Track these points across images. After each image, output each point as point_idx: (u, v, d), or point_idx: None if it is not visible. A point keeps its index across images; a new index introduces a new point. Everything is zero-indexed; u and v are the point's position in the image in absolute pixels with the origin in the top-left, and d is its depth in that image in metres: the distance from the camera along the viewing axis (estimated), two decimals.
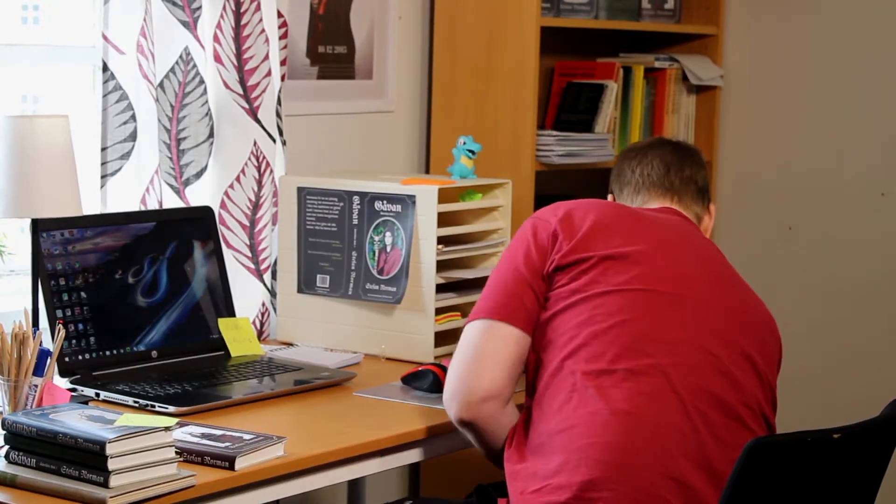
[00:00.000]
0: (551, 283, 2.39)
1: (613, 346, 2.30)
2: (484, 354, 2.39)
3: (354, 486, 3.31)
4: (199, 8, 3.06)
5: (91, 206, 2.95)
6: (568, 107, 3.95)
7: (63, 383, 2.63)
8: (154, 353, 2.84)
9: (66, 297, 2.72)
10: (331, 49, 3.53)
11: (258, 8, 3.11)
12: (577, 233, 2.41)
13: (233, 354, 2.93)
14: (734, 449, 2.23)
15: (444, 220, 2.97)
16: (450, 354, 2.88)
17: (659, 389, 2.27)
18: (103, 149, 2.96)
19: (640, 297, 2.35)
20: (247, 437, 2.29)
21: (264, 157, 3.16)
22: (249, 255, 3.18)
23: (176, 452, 2.13)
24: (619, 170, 2.69)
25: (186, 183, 3.11)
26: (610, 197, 2.71)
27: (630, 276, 2.36)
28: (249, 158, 3.14)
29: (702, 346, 2.33)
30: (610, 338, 2.31)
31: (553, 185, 3.82)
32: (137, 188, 2.99)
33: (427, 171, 3.79)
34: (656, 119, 4.17)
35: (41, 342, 2.36)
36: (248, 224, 3.17)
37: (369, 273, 3.00)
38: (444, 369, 2.66)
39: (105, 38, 2.93)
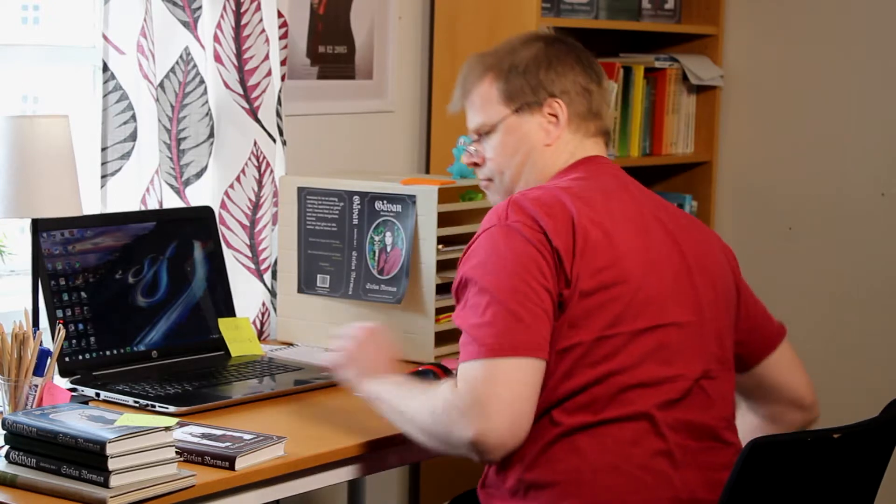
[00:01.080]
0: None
1: (602, 399, 2.18)
2: (530, 397, 2.14)
3: (354, 486, 3.31)
4: (200, 8, 3.06)
5: (91, 206, 2.95)
6: None
7: (63, 383, 2.63)
8: (154, 353, 2.84)
9: (66, 297, 2.72)
10: (331, 49, 3.54)
11: (258, 8, 3.11)
12: (577, 264, 2.18)
13: (233, 354, 2.94)
14: (715, 469, 2.22)
15: (444, 220, 2.97)
16: (450, 354, 2.89)
17: (643, 436, 2.18)
18: (103, 149, 2.96)
19: (631, 342, 2.20)
20: (247, 437, 2.29)
21: (264, 157, 3.16)
22: (249, 255, 3.18)
23: (176, 452, 2.13)
24: (548, 80, 2.37)
25: (186, 183, 3.11)
26: (548, 109, 2.36)
27: (621, 308, 2.19)
28: (249, 158, 3.14)
29: (690, 378, 2.24)
30: (600, 390, 2.18)
31: None
32: (137, 188, 2.99)
33: (427, 171, 3.79)
34: (656, 119, 4.18)
35: (41, 342, 2.36)
36: (248, 224, 3.17)
37: (369, 273, 3.00)
38: (444, 369, 2.65)
39: (105, 38, 2.93)
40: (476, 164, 2.45)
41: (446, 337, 2.97)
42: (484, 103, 2.40)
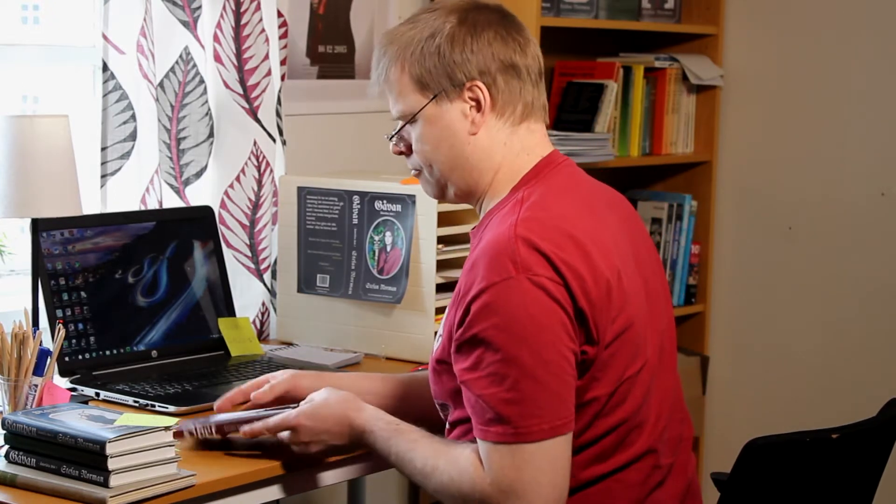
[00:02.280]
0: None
1: (611, 446, 2.11)
2: (567, 471, 2.04)
3: (354, 486, 3.31)
4: (199, 8, 3.06)
5: (91, 206, 2.95)
6: (568, 107, 3.95)
7: (63, 383, 2.63)
8: (154, 353, 2.84)
9: (66, 296, 2.72)
10: (331, 49, 3.54)
11: (258, 8, 3.11)
12: (599, 319, 2.04)
13: (233, 354, 2.94)
14: (688, 469, 2.22)
15: (444, 219, 2.97)
16: None
17: (648, 474, 2.15)
18: (103, 149, 2.96)
19: (634, 385, 2.10)
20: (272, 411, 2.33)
21: (264, 157, 3.16)
22: (249, 254, 3.18)
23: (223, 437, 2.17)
24: (502, 71, 2.15)
25: (186, 183, 3.11)
26: (469, 93, 2.14)
27: (629, 354, 2.09)
28: (249, 158, 3.15)
29: (669, 399, 2.20)
30: (611, 438, 2.10)
31: None
32: (137, 188, 2.99)
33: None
34: (656, 119, 4.18)
35: (41, 342, 2.37)
36: (248, 224, 3.17)
37: (369, 273, 3.00)
38: None
39: (105, 38, 2.93)
40: (402, 153, 2.27)
41: None
42: (400, 92, 2.20)
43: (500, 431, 2.00)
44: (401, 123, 2.23)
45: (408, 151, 2.26)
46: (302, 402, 2.30)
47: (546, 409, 1.99)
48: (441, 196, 2.28)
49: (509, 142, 2.18)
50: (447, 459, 2.09)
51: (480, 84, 2.14)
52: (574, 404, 2.04)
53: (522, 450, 1.99)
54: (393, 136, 2.27)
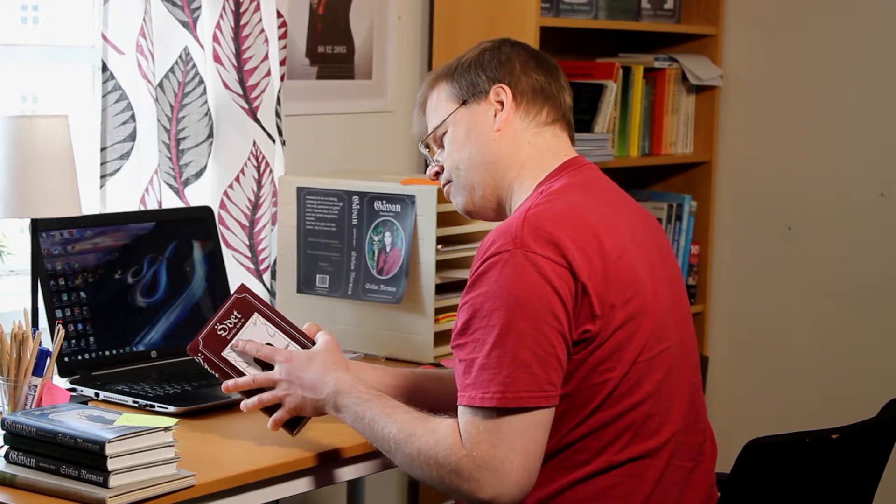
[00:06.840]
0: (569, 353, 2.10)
1: (628, 431, 2.12)
2: (539, 452, 2.05)
3: (354, 487, 3.31)
4: (199, 8, 3.06)
5: (91, 206, 2.95)
6: None
7: (62, 383, 2.63)
8: (153, 353, 2.84)
9: (65, 297, 2.72)
10: (330, 49, 3.54)
11: (258, 8, 3.11)
12: (606, 295, 2.09)
13: None
14: (704, 485, 2.22)
15: (443, 220, 2.97)
16: (449, 355, 2.89)
17: (663, 470, 2.16)
18: (103, 149, 2.96)
19: (652, 369, 2.13)
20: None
21: (264, 157, 3.16)
22: (249, 255, 3.18)
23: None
24: (541, 87, 2.30)
25: (186, 183, 3.11)
26: (494, 96, 2.27)
27: (646, 336, 2.12)
28: (249, 158, 3.15)
29: (685, 397, 2.21)
30: (625, 421, 2.12)
31: None
32: (137, 188, 2.99)
33: (426, 172, 3.79)
34: (656, 119, 4.18)
35: (41, 342, 2.37)
36: (247, 224, 3.17)
37: (369, 273, 3.00)
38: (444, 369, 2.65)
39: (105, 38, 2.93)
40: (437, 174, 2.38)
41: (446, 337, 2.97)
42: (435, 107, 2.35)
43: (472, 395, 2.05)
44: (438, 142, 2.36)
45: (440, 170, 2.38)
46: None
47: (516, 379, 2.02)
48: (471, 205, 2.34)
49: (534, 141, 2.28)
50: (426, 427, 2.12)
51: (504, 86, 2.28)
52: (554, 380, 2.05)
53: (495, 420, 2.02)
54: (422, 143, 2.40)
